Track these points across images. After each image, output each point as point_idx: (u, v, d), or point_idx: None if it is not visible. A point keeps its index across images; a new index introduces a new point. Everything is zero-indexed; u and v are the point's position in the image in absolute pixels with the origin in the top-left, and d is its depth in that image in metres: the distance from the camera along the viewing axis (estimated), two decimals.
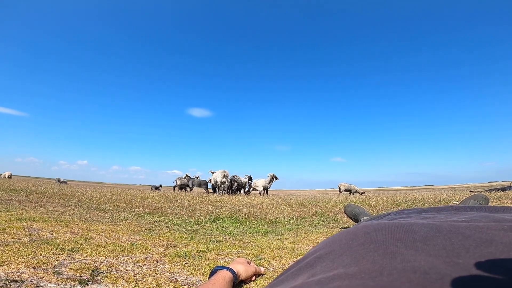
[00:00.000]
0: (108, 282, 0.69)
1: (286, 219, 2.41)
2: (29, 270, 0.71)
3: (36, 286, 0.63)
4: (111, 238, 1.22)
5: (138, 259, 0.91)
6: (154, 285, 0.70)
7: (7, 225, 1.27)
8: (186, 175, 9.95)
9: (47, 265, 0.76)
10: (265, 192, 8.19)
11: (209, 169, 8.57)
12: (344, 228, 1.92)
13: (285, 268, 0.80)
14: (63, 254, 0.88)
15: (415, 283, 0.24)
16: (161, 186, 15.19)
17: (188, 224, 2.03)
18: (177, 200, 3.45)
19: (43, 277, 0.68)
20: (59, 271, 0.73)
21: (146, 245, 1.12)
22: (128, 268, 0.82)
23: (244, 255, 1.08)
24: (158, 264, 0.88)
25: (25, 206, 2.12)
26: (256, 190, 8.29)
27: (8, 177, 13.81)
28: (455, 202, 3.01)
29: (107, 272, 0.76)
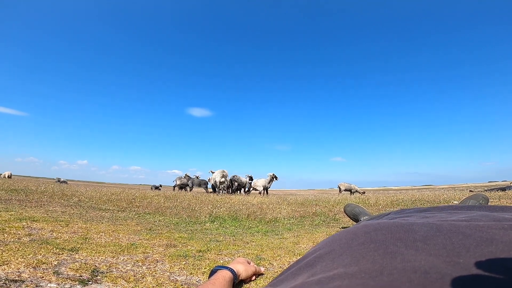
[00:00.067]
0: (108, 282, 0.69)
1: (286, 219, 2.41)
2: (29, 270, 0.71)
3: (36, 286, 0.63)
4: (111, 238, 1.22)
5: (138, 258, 0.91)
6: (154, 284, 0.70)
7: (7, 224, 1.27)
8: (186, 174, 9.96)
9: (47, 265, 0.76)
10: (265, 191, 8.20)
11: (209, 169, 8.58)
12: (344, 227, 1.92)
13: (285, 268, 0.80)
14: (63, 254, 0.88)
15: (415, 282, 0.23)
16: (161, 186, 15.19)
17: (188, 223, 2.03)
18: (177, 199, 3.45)
19: (43, 277, 0.68)
20: (59, 271, 0.73)
21: (146, 245, 1.12)
22: (128, 267, 0.82)
23: (244, 254, 1.08)
24: (158, 263, 0.88)
25: (25, 206, 2.12)
26: (256, 190, 8.29)
27: (8, 177, 13.81)
28: (455, 202, 3.01)
29: (107, 272, 0.76)
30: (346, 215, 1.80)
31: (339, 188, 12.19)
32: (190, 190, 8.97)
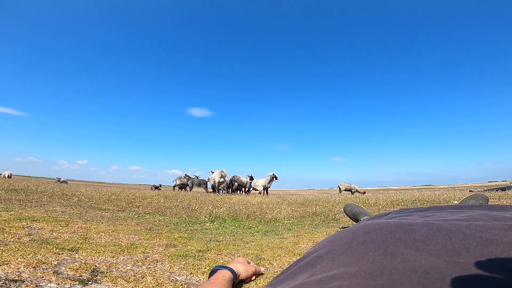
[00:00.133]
0: (108, 282, 0.69)
1: (286, 219, 2.41)
2: (28, 270, 0.71)
3: (36, 286, 0.63)
4: (111, 238, 1.22)
5: (138, 258, 0.91)
6: (154, 284, 0.70)
7: (7, 224, 1.27)
8: (185, 174, 9.96)
9: (47, 264, 0.76)
10: (265, 191, 8.20)
11: (209, 168, 8.58)
12: (344, 227, 1.92)
13: (285, 268, 0.80)
14: (62, 253, 0.88)
15: (415, 282, 0.24)
16: (161, 185, 15.19)
17: (188, 223, 2.03)
18: (177, 199, 3.45)
19: (42, 277, 0.68)
20: (59, 271, 0.73)
21: (146, 245, 1.12)
22: (128, 267, 0.82)
23: (244, 254, 1.08)
24: (158, 263, 0.88)
25: (25, 206, 2.12)
26: (256, 189, 8.29)
27: (8, 176, 13.80)
28: (455, 202, 3.01)
29: (106, 272, 0.76)
30: (346, 215, 1.80)
31: (339, 188, 12.19)
32: (190, 190, 8.97)
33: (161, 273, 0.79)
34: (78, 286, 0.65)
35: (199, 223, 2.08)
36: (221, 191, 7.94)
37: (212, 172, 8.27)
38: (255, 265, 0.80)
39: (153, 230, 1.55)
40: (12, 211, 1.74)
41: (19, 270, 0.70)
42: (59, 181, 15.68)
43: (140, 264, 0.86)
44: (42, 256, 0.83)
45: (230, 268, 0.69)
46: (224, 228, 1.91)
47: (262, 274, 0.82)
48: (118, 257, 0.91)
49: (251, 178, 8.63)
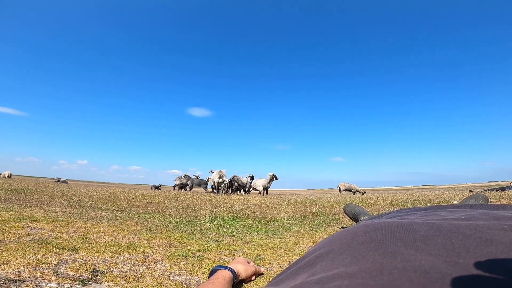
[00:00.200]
0: (107, 282, 0.69)
1: (286, 219, 2.41)
2: (28, 270, 0.71)
3: (36, 286, 0.63)
4: (111, 238, 1.22)
5: (137, 258, 0.91)
6: (153, 284, 0.70)
7: (6, 224, 1.27)
8: (185, 174, 9.96)
9: (47, 264, 0.76)
10: (265, 191, 8.20)
11: (209, 168, 8.58)
12: (344, 227, 1.92)
13: (284, 268, 0.80)
14: (62, 253, 0.88)
15: (415, 282, 0.24)
16: (160, 185, 15.19)
17: (188, 223, 2.03)
18: (177, 199, 3.45)
19: (42, 277, 0.68)
20: (59, 271, 0.73)
21: (146, 245, 1.12)
22: (128, 267, 0.82)
23: (244, 254, 1.08)
24: (158, 263, 0.88)
25: (25, 206, 2.12)
26: (256, 189, 8.29)
27: (8, 176, 13.80)
28: (454, 202, 3.01)
29: (106, 272, 0.76)
30: (346, 215, 1.80)
31: (339, 188, 12.19)
32: (190, 190, 8.97)
33: (161, 273, 0.79)
34: (78, 286, 0.65)
35: (199, 223, 2.08)
36: (221, 191, 7.94)
37: (212, 172, 8.27)
38: (255, 265, 0.80)
39: (153, 230, 1.55)
40: (12, 211, 1.74)
41: (19, 270, 0.70)
42: (59, 181, 15.68)
43: (140, 264, 0.86)
44: (42, 256, 0.83)
45: (230, 268, 0.69)
46: (224, 228, 1.91)
47: (262, 274, 0.82)
48: (118, 257, 0.91)
49: (252, 178, 8.63)
